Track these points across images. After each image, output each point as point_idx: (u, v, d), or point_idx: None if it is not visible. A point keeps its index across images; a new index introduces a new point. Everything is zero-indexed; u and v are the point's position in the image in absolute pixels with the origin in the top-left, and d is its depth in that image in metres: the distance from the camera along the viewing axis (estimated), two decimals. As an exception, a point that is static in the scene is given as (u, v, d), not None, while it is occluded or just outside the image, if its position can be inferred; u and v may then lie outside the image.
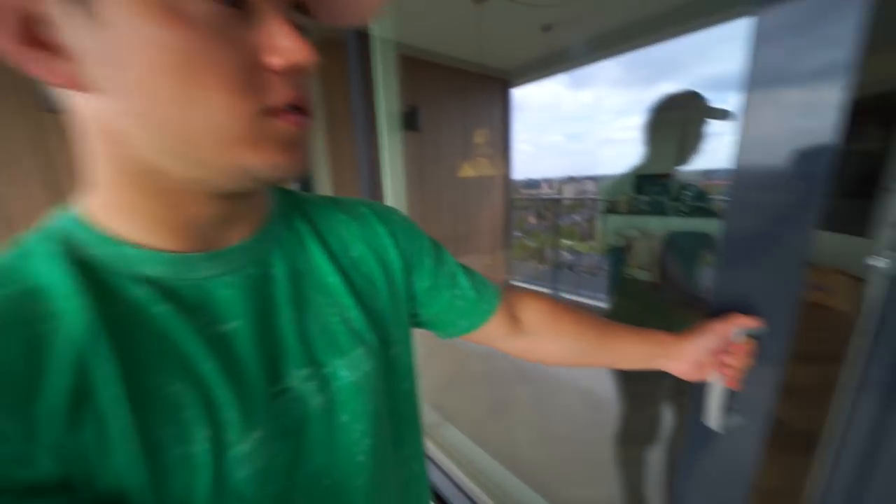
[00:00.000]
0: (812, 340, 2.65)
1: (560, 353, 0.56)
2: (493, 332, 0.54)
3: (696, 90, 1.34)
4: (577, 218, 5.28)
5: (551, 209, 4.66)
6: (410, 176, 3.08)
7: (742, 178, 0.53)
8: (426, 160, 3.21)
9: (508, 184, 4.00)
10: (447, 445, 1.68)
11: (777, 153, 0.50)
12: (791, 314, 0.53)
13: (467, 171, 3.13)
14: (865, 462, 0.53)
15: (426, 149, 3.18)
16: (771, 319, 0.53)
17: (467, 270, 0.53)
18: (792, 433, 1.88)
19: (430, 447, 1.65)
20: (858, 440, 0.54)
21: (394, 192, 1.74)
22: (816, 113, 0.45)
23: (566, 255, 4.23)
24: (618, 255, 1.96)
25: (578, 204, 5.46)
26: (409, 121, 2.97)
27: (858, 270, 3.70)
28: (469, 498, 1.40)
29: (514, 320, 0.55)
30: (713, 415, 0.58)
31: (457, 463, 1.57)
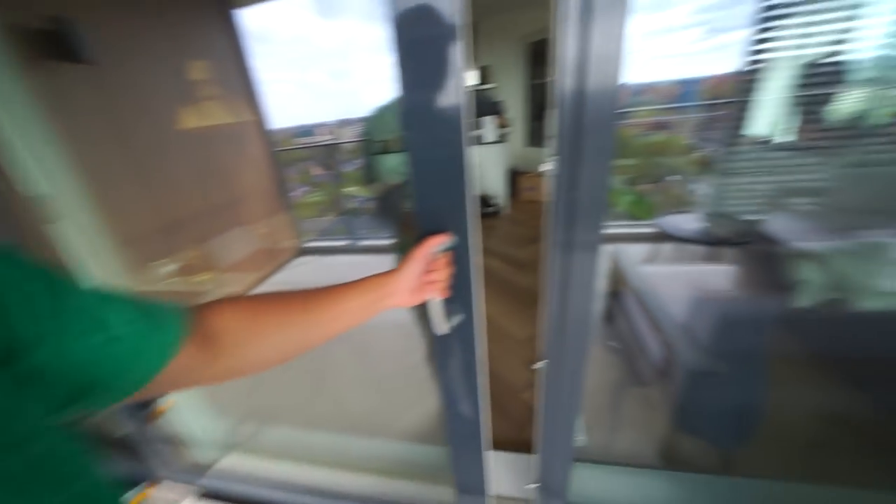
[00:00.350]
0: (534, 227, 3.69)
1: (269, 353, 0.48)
2: (185, 368, 0.41)
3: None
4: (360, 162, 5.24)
5: (332, 156, 4.36)
6: (92, 136, 2.04)
7: (409, 119, 0.61)
8: (123, 110, 2.16)
9: (266, 133, 3.34)
10: (269, 449, 1.47)
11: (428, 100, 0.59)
12: (467, 224, 0.67)
13: (191, 120, 2.29)
14: (563, 299, 0.74)
15: (118, 92, 2.13)
16: (456, 231, 0.66)
17: (123, 300, 0.38)
18: (530, 294, 2.69)
19: (250, 462, 1.40)
20: (557, 286, 0.73)
21: (43, 172, 1.06)
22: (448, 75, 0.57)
23: (355, 203, 4.20)
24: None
25: (359, 148, 5.40)
26: (58, 44, 1.87)
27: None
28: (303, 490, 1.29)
29: (209, 342, 0.43)
30: (438, 323, 0.69)
31: (287, 461, 1.40)
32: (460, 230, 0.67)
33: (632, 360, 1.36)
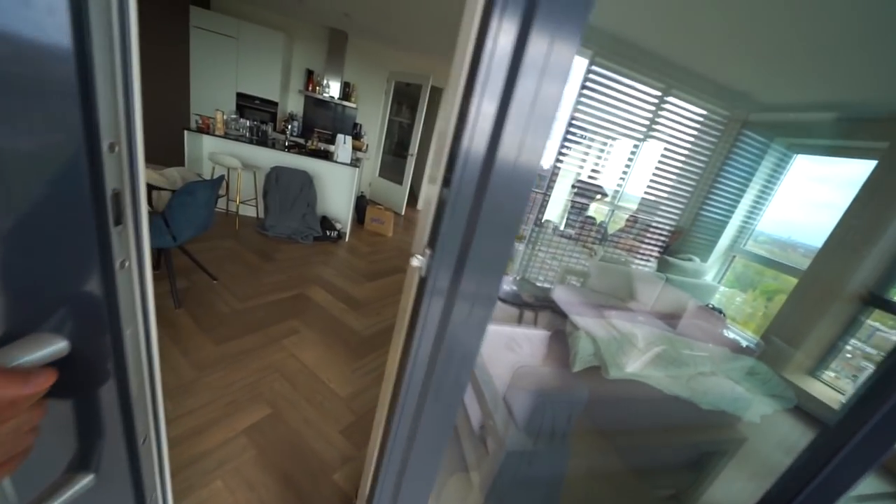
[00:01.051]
0: (376, 262, 3.54)
1: None
2: None
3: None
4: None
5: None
6: None
7: None
8: None
9: None
10: None
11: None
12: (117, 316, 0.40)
13: None
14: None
15: None
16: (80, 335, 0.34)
17: None
18: (362, 340, 2.48)
19: None
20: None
21: None
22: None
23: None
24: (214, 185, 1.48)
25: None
26: None
27: (396, 208, 5.28)
28: None
29: None
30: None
31: None
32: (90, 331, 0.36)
33: (459, 438, 1.36)
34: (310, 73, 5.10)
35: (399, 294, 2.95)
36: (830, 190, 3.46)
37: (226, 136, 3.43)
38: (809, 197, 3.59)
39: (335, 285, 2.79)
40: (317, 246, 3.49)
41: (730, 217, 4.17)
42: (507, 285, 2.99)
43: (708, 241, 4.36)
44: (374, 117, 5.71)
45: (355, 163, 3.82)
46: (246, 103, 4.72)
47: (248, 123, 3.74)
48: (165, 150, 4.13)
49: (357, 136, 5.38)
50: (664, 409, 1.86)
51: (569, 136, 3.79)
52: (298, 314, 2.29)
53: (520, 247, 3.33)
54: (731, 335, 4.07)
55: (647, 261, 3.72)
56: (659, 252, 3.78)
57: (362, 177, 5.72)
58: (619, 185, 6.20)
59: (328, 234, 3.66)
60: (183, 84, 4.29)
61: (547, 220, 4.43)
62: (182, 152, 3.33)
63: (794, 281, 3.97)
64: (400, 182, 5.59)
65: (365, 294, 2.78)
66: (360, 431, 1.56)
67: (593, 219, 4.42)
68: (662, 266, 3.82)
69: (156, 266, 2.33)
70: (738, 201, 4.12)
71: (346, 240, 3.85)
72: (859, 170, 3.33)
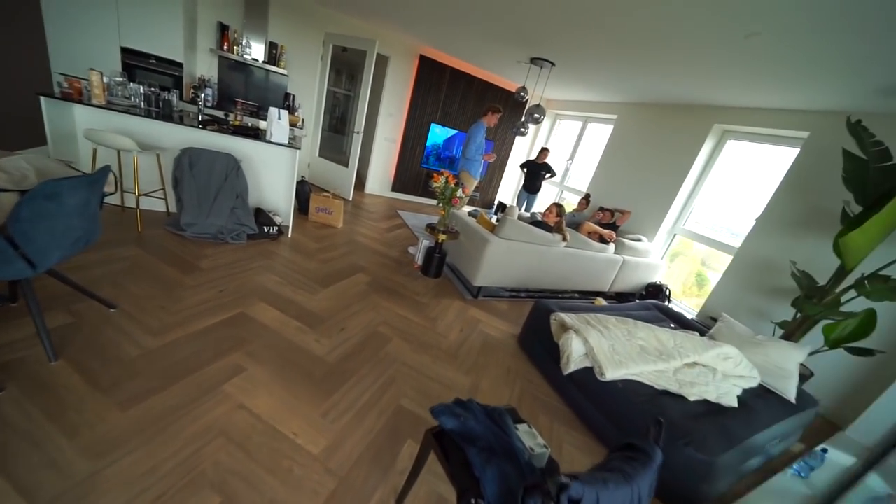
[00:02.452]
0: (329, 261, 3.04)
1: None
2: None
3: None
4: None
5: None
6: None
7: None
8: None
9: None
10: None
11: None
12: None
13: None
14: None
15: None
16: None
17: None
18: (329, 371, 2.09)
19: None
20: None
21: None
22: None
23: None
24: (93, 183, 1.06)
25: None
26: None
27: (343, 193, 4.69)
28: None
29: None
30: None
31: None
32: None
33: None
34: (224, 29, 4.14)
35: (365, 299, 2.53)
36: (758, 173, 3.80)
37: (109, 105, 2.57)
38: (739, 178, 3.92)
39: (283, 297, 2.31)
40: (253, 246, 2.89)
41: (673, 197, 4.43)
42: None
43: (653, 221, 4.61)
44: (308, 87, 4.93)
45: (293, 142, 3.20)
46: (137, 62, 3.68)
47: (141, 90, 2.87)
48: (10, 125, 3.06)
49: (291, 110, 4.60)
50: (657, 405, 1.83)
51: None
52: (241, 344, 1.81)
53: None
54: (677, 308, 4.43)
55: (608, 244, 3.79)
56: (610, 232, 3.88)
57: (300, 158, 4.98)
58: (568, 165, 6.26)
59: (266, 230, 3.06)
60: (33, 31, 3.15)
61: (511, 206, 4.27)
62: (39, 129, 2.43)
63: (720, 255, 4.40)
64: (345, 163, 4.97)
65: (323, 305, 2.34)
66: (348, 501, 1.24)
67: (561, 206, 4.36)
68: (619, 248, 3.93)
69: (12, 298, 1.64)
70: (681, 182, 4.37)
71: (289, 235, 3.28)
72: (784, 155, 3.68)
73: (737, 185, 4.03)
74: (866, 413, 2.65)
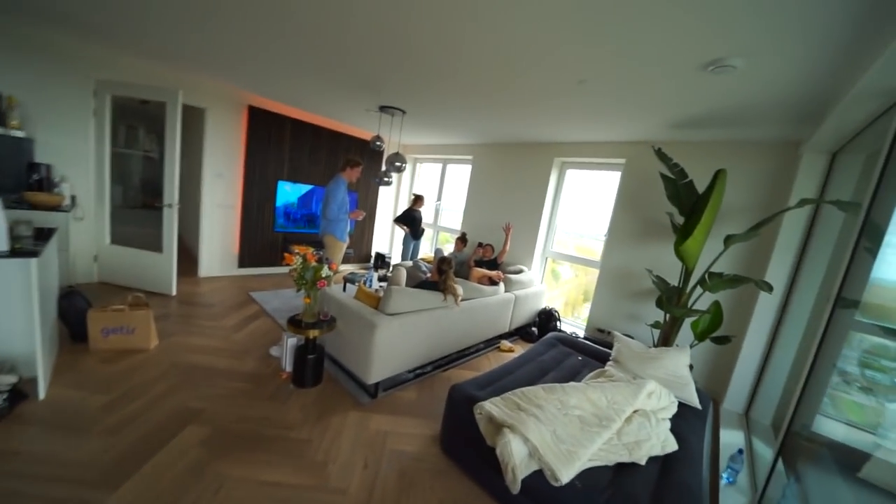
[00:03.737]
0: (134, 424, 1.88)
1: None
2: None
3: None
4: None
5: None
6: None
7: None
8: None
9: None
10: None
11: None
12: None
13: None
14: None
15: None
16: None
17: None
18: None
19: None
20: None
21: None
22: None
23: None
24: None
25: None
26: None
27: (161, 288, 3.37)
28: None
29: None
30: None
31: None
32: None
33: None
34: None
35: (199, 477, 1.46)
36: (595, 194, 4.43)
37: None
38: (583, 201, 4.51)
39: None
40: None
41: (537, 225, 4.76)
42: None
43: (526, 249, 4.85)
44: (77, 153, 3.49)
45: (28, 246, 1.99)
46: None
47: None
48: None
49: (44, 186, 3.11)
50: (621, 489, 1.55)
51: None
52: None
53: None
54: (568, 328, 4.65)
55: (497, 285, 3.68)
56: (498, 272, 3.84)
57: (74, 253, 3.41)
58: (437, 205, 6.25)
59: (-18, 404, 1.72)
60: None
61: (396, 268, 3.77)
62: None
63: (587, 269, 4.92)
64: (158, 248, 3.65)
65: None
66: None
67: (441, 252, 4.05)
68: (508, 285, 3.89)
69: None
70: (540, 210, 4.75)
71: (42, 396, 1.96)
72: (611, 178, 4.37)
73: (582, 207, 4.55)
74: (731, 386, 3.05)
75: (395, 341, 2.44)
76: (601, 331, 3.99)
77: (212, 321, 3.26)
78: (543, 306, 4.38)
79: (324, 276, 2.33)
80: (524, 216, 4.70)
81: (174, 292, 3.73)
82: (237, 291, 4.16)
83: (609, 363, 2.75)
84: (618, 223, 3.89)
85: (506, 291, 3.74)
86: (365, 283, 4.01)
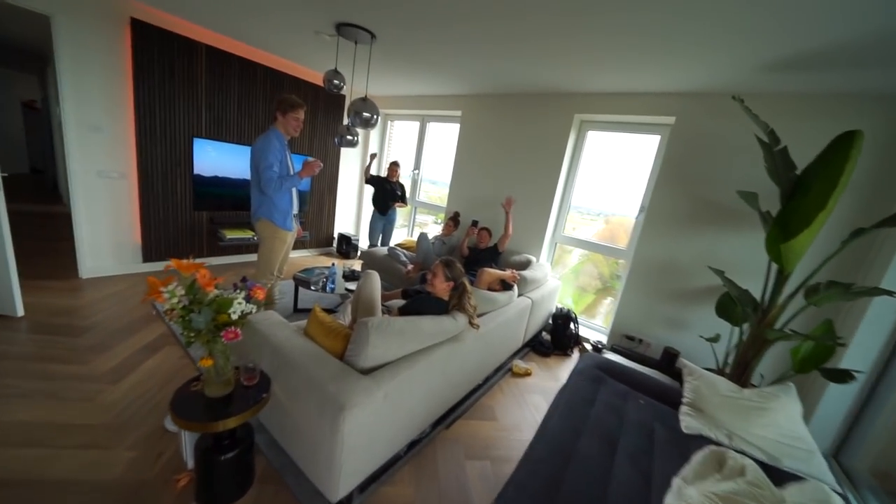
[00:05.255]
0: None
1: None
2: None
3: None
4: None
5: None
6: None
7: None
8: None
9: None
10: None
11: None
12: None
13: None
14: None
15: None
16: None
17: None
18: None
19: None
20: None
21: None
22: None
23: None
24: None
25: None
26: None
27: None
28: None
29: None
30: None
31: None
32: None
33: None
34: None
35: None
36: (622, 165, 3.50)
37: None
38: (605, 171, 3.57)
39: None
40: None
41: (550, 202, 3.79)
42: None
43: (534, 233, 3.90)
44: None
45: None
46: None
47: None
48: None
49: None
50: None
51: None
52: None
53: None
54: (586, 332, 3.83)
55: (512, 288, 2.72)
56: (513, 272, 2.85)
57: None
58: (414, 175, 5.05)
59: None
60: None
61: (365, 276, 2.64)
62: None
63: (599, 257, 4.08)
64: (-26, 245, 2.27)
65: None
66: None
67: (450, 263, 3.03)
68: (521, 286, 2.95)
69: None
70: (554, 183, 3.75)
71: None
72: (649, 143, 3.40)
73: (606, 180, 3.61)
74: (813, 421, 2.37)
75: (380, 421, 1.41)
76: (630, 338, 3.20)
77: (74, 363, 2.04)
78: (557, 307, 3.51)
79: (237, 315, 1.21)
80: (530, 191, 3.69)
81: (19, 312, 2.40)
82: (136, 301, 2.87)
83: (685, 410, 1.93)
84: (659, 202, 3.00)
85: (519, 295, 2.80)
86: (324, 286, 2.88)
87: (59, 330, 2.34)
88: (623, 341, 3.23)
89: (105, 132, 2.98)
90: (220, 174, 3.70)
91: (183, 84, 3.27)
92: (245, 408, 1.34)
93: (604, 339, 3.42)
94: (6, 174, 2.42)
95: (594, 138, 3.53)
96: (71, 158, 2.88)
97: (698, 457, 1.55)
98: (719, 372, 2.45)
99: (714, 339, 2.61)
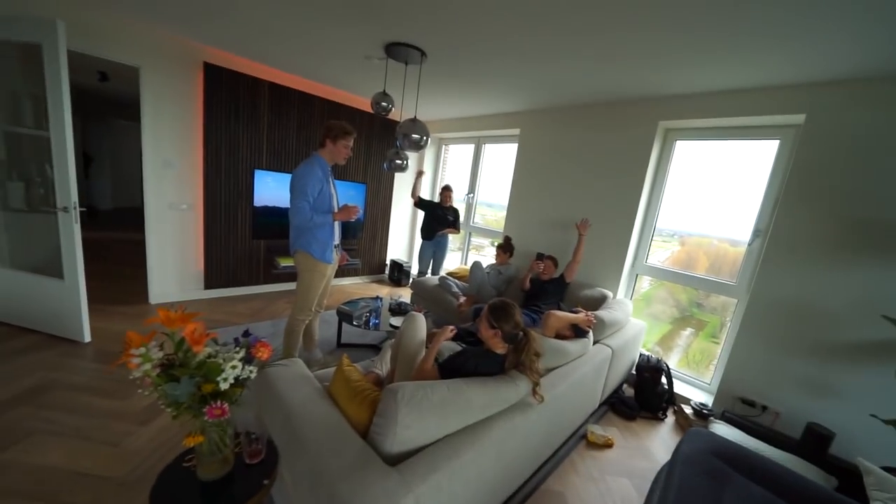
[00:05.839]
0: None
1: None
2: None
3: None
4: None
5: None
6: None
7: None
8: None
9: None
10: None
11: None
12: None
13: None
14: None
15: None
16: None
17: None
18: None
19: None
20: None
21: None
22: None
23: None
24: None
25: None
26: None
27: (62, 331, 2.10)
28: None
29: None
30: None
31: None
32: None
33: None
34: None
35: None
36: (722, 177, 2.79)
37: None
38: (704, 186, 2.88)
39: None
40: None
41: (632, 224, 3.18)
42: None
43: (610, 262, 3.29)
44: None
45: None
46: None
47: None
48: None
49: None
50: None
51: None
52: None
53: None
54: (681, 386, 3.01)
55: (587, 334, 2.19)
56: (588, 314, 2.30)
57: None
58: (468, 199, 4.76)
59: None
60: None
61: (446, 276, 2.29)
62: None
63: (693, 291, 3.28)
64: (57, 272, 2.42)
65: None
66: None
67: (480, 265, 2.64)
68: (598, 331, 2.39)
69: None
70: (636, 203, 3.16)
71: None
72: (760, 151, 2.67)
73: (696, 196, 2.93)
74: None
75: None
76: (749, 403, 2.42)
77: (116, 397, 1.98)
78: (643, 353, 2.84)
79: (228, 384, 0.92)
80: (604, 213, 3.15)
81: (87, 338, 2.49)
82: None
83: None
84: (785, 225, 2.28)
85: (595, 342, 2.25)
86: (367, 322, 2.63)
87: (115, 358, 2.36)
88: (738, 406, 2.45)
89: (175, 167, 3.17)
90: (278, 204, 3.77)
91: (247, 119, 3.42)
92: (245, 497, 1.05)
93: (707, 400, 2.65)
94: (108, 208, 2.60)
95: (684, 149, 2.92)
96: (148, 192, 3.08)
97: None
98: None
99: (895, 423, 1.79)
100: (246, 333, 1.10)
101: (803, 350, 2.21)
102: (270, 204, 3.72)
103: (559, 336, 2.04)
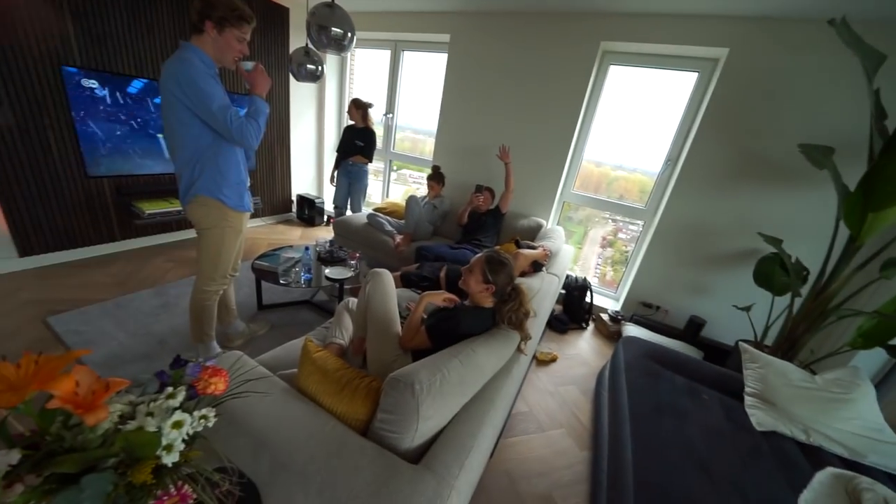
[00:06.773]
0: None
1: None
2: None
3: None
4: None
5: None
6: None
7: None
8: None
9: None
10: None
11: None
12: None
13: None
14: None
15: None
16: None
17: None
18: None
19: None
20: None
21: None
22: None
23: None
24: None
25: None
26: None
27: None
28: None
29: None
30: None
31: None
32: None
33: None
34: None
35: None
36: (648, 104, 2.92)
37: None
38: (627, 115, 2.99)
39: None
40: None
41: (566, 152, 3.20)
42: None
43: (540, 190, 3.34)
44: None
45: None
46: None
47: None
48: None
49: None
50: None
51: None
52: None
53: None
54: (600, 300, 3.50)
55: (542, 268, 2.24)
56: (544, 248, 2.34)
57: None
58: (385, 119, 4.15)
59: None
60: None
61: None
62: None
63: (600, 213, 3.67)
64: None
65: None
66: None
67: (416, 199, 2.37)
68: (549, 261, 2.48)
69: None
70: (572, 129, 3.13)
71: None
72: (678, 84, 2.83)
73: (626, 128, 3.08)
74: None
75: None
76: (647, 305, 2.97)
77: None
78: (569, 275, 3.14)
79: (176, 453, 0.57)
80: (539, 139, 3.09)
81: None
82: (17, 316, 1.99)
83: (752, 402, 1.72)
84: (697, 154, 2.58)
85: (548, 272, 2.35)
86: (299, 279, 2.20)
87: None
88: (640, 309, 3.00)
89: None
90: (119, 123, 2.61)
91: (21, -27, 2.05)
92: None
93: (616, 307, 3.17)
94: None
95: (617, 74, 2.92)
96: None
97: (822, 486, 1.30)
98: (757, 345, 2.29)
99: (748, 309, 2.42)
100: (178, 360, 0.70)
101: (691, 261, 2.72)
102: (105, 122, 2.55)
103: (522, 274, 2.03)
